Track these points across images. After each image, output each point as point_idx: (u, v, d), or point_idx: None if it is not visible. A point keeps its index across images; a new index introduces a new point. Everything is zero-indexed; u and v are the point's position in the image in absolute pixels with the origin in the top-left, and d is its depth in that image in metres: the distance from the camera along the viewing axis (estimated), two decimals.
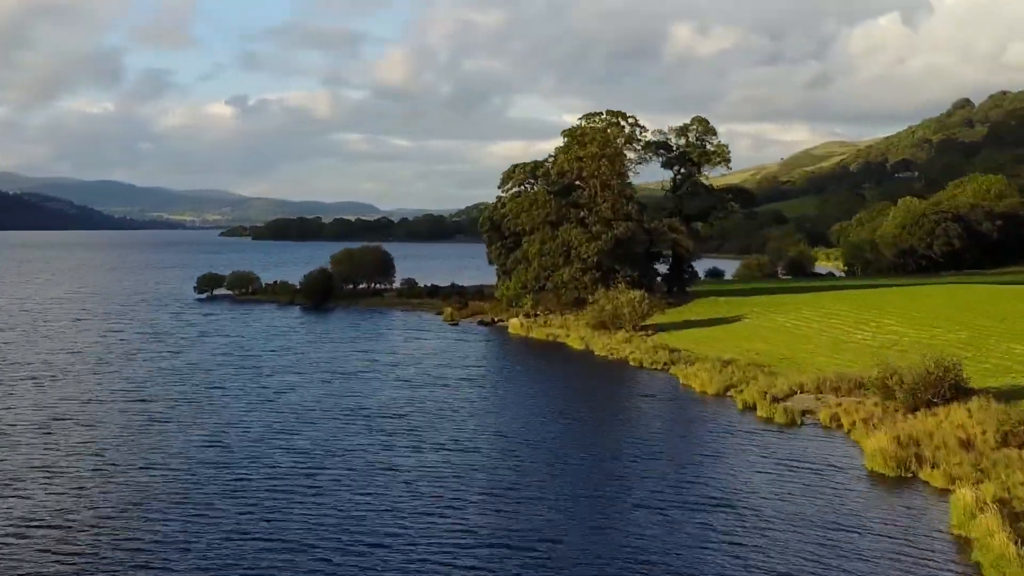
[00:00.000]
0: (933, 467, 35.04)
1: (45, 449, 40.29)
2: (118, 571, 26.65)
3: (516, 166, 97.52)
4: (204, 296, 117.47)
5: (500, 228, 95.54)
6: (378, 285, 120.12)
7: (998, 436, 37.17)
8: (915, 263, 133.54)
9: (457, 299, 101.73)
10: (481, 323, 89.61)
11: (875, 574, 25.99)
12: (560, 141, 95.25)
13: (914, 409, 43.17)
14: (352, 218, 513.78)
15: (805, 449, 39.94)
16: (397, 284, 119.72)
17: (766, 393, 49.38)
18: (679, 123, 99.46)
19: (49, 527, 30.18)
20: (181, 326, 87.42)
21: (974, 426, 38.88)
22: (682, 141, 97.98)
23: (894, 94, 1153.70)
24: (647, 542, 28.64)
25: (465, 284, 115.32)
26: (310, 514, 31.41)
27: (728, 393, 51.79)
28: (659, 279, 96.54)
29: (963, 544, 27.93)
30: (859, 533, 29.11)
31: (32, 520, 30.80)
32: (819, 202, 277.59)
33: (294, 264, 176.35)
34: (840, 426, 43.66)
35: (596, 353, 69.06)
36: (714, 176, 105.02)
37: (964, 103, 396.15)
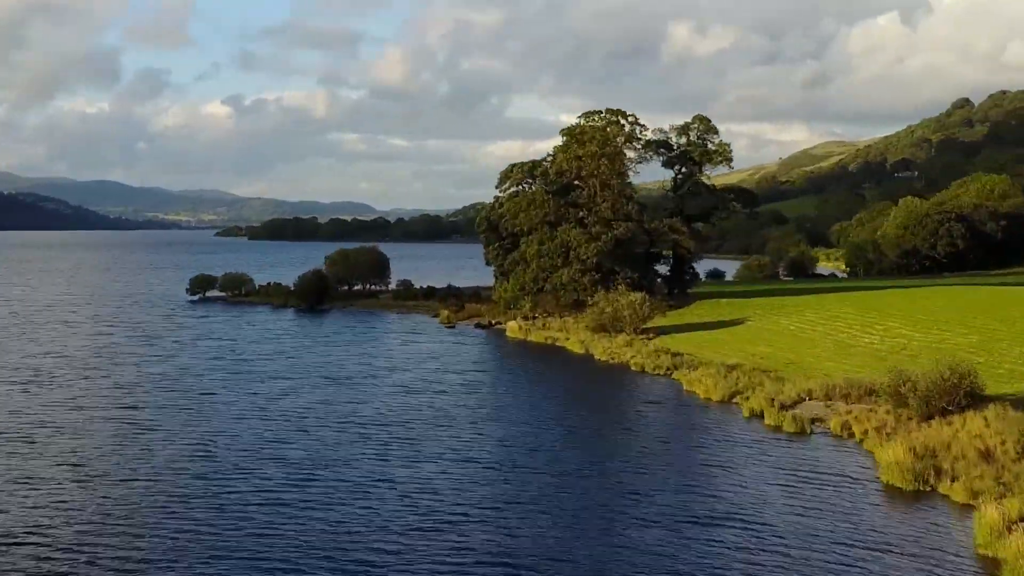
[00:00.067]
0: (952, 480, 33.47)
1: (25, 459, 38.66)
2: None
3: (514, 165, 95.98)
4: (196, 298, 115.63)
5: (498, 228, 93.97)
6: (374, 286, 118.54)
7: (1018, 447, 35.65)
8: (918, 264, 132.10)
9: (454, 301, 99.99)
10: (478, 326, 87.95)
11: None
12: (558, 140, 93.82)
13: (928, 417, 41.63)
14: (349, 218, 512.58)
15: (817, 459, 38.40)
16: (393, 285, 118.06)
17: (773, 400, 47.82)
18: (678, 123, 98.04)
19: (24, 544, 28.57)
20: (172, 329, 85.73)
21: (992, 436, 37.32)
22: (683, 140, 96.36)
23: (893, 94, 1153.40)
24: (657, 560, 27.13)
25: (462, 285, 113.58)
26: (301, 530, 29.86)
27: (734, 400, 50.21)
28: (659, 280, 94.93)
29: (990, 565, 26.41)
30: (880, 552, 27.57)
31: (6, 536, 29.17)
32: (818, 202, 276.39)
33: (291, 264, 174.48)
34: (851, 435, 42.12)
35: (596, 357, 67.46)
36: (713, 176, 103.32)
37: (963, 103, 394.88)
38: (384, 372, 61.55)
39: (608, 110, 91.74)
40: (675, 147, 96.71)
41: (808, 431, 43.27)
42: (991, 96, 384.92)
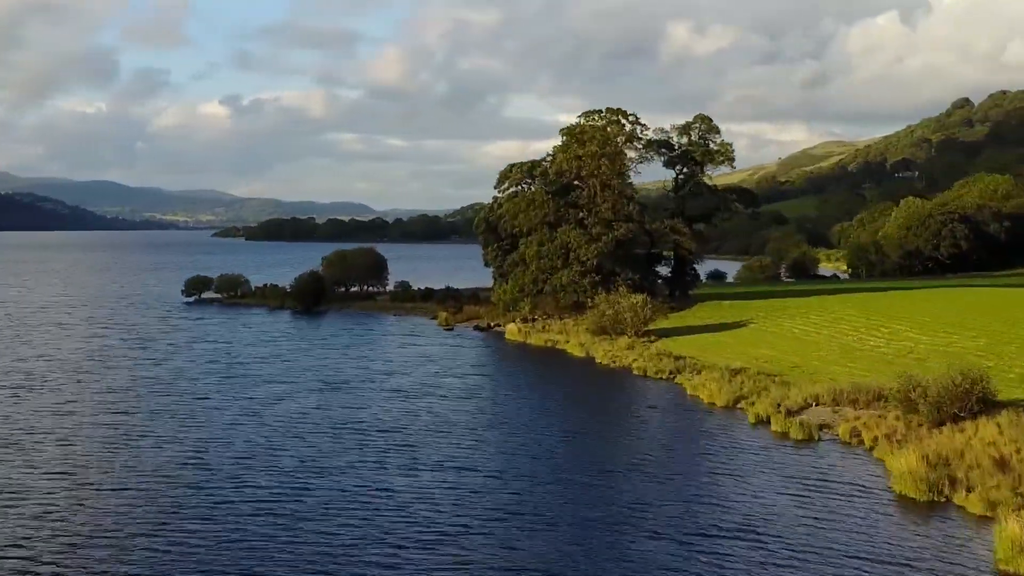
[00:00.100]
0: (968, 491, 32.36)
1: (12, 468, 37.52)
2: None
3: (513, 165, 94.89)
4: (192, 300, 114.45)
5: (496, 229, 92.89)
6: (371, 288, 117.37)
7: None
8: (921, 265, 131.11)
9: (452, 303, 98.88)
10: (477, 328, 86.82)
11: None
12: (557, 141, 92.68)
13: (939, 424, 40.55)
14: (346, 218, 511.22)
15: (826, 468, 37.31)
16: (390, 287, 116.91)
17: (779, 405, 46.75)
18: (676, 122, 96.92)
19: (7, 557, 27.48)
20: (166, 331, 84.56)
21: (1007, 444, 36.21)
22: (684, 140, 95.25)
23: (892, 94, 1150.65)
24: (665, 575, 26.06)
25: (460, 287, 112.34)
26: (295, 542, 28.79)
27: (739, 405, 49.11)
28: (660, 282, 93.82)
29: None
30: (898, 567, 26.48)
31: None
32: (818, 202, 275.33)
33: (287, 265, 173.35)
34: (861, 442, 41.02)
35: (598, 361, 66.35)
36: (714, 176, 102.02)
37: (963, 102, 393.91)
38: (381, 376, 60.45)
39: (609, 109, 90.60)
40: (676, 147, 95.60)
41: (816, 438, 42.19)
42: (991, 96, 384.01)
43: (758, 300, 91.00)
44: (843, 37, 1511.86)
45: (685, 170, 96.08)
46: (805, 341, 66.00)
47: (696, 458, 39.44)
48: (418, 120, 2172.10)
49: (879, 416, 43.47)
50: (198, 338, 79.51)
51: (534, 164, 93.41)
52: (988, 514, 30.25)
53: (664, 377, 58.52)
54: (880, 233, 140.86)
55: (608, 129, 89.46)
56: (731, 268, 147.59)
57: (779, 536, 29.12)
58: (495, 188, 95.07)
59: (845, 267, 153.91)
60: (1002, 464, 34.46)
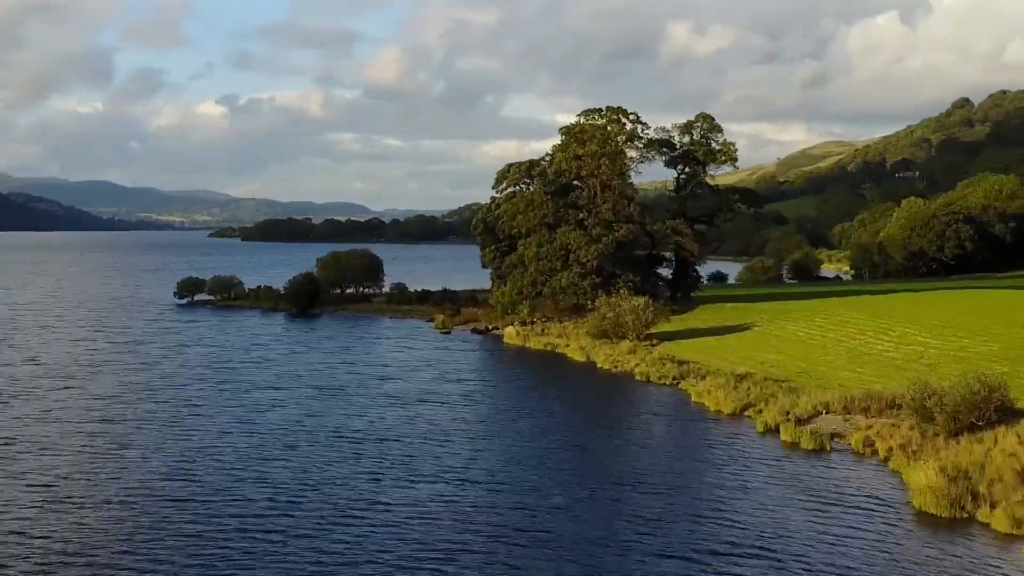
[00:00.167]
0: (992, 506, 30.77)
1: None
2: None
3: (511, 165, 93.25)
4: (184, 302, 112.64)
5: (494, 230, 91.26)
6: (366, 290, 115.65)
7: None
8: (925, 266, 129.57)
9: (449, 305, 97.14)
10: (474, 331, 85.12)
11: None
12: (555, 141, 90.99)
13: (956, 434, 38.95)
14: (343, 219, 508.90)
15: (841, 480, 35.72)
16: (386, 288, 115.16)
17: (788, 413, 45.13)
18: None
19: None
20: (157, 335, 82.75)
21: None
22: (686, 139, 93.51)
23: (892, 94, 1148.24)
24: None
25: (457, 289, 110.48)
26: (286, 562, 27.26)
27: (746, 413, 47.51)
28: (661, 284, 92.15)
29: None
30: None
31: None
32: (818, 202, 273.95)
33: (283, 266, 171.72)
34: (875, 452, 39.46)
35: (599, 365, 64.72)
36: (714, 176, 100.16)
37: (963, 102, 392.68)
38: (377, 381, 58.80)
39: (609, 108, 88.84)
40: (678, 146, 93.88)
41: (828, 448, 40.59)
42: (991, 96, 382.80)
43: (761, 302, 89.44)
44: (843, 37, 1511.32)
45: (687, 170, 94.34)
46: (811, 345, 64.43)
47: (704, 470, 37.81)
48: (416, 120, 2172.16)
49: (892, 425, 41.91)
50: (189, 342, 77.79)
51: (533, 164, 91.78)
52: (1015, 532, 28.76)
53: (667, 383, 56.90)
54: (882, 234, 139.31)
55: (608, 128, 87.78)
56: (731, 269, 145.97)
57: (798, 556, 27.56)
58: (493, 188, 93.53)
59: (847, 268, 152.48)
60: None
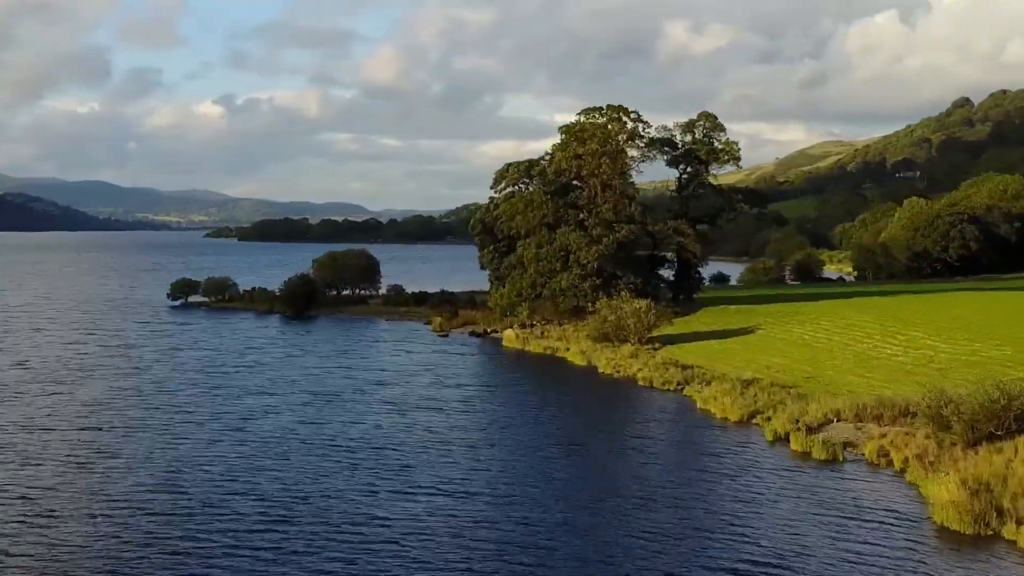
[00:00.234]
0: (1018, 523, 29.29)
1: None
2: None
3: (510, 165, 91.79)
4: (178, 304, 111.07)
5: (493, 231, 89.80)
6: (363, 291, 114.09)
7: None
8: (929, 267, 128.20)
9: (447, 307, 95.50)
10: (473, 334, 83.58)
11: None
12: (553, 140, 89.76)
13: (973, 443, 37.48)
14: (340, 219, 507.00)
15: (857, 493, 34.21)
16: (383, 290, 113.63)
17: (798, 421, 43.64)
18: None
19: None
20: (149, 337, 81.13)
21: None
22: (688, 138, 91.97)
23: (891, 93, 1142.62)
24: None
25: (455, 290, 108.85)
26: None
27: (754, 420, 46.02)
28: (663, 286, 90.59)
29: None
30: None
31: None
32: (818, 203, 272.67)
33: (280, 266, 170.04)
34: (890, 463, 37.96)
35: (600, 370, 63.18)
36: (714, 176, 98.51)
37: (964, 102, 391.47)
38: (373, 387, 57.27)
39: (610, 106, 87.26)
40: (680, 145, 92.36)
41: (840, 458, 39.08)
42: (991, 95, 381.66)
43: (765, 304, 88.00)
44: (842, 36, 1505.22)
45: (689, 169, 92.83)
46: (817, 349, 62.99)
47: (714, 481, 36.29)
48: (413, 120, 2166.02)
49: (907, 434, 40.43)
50: (181, 345, 76.19)
51: (532, 163, 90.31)
52: None
53: (672, 388, 55.39)
54: (884, 234, 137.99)
55: (609, 127, 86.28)
56: (731, 270, 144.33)
57: (817, 575, 26.08)
58: (491, 188, 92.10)
59: (850, 269, 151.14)
60: None
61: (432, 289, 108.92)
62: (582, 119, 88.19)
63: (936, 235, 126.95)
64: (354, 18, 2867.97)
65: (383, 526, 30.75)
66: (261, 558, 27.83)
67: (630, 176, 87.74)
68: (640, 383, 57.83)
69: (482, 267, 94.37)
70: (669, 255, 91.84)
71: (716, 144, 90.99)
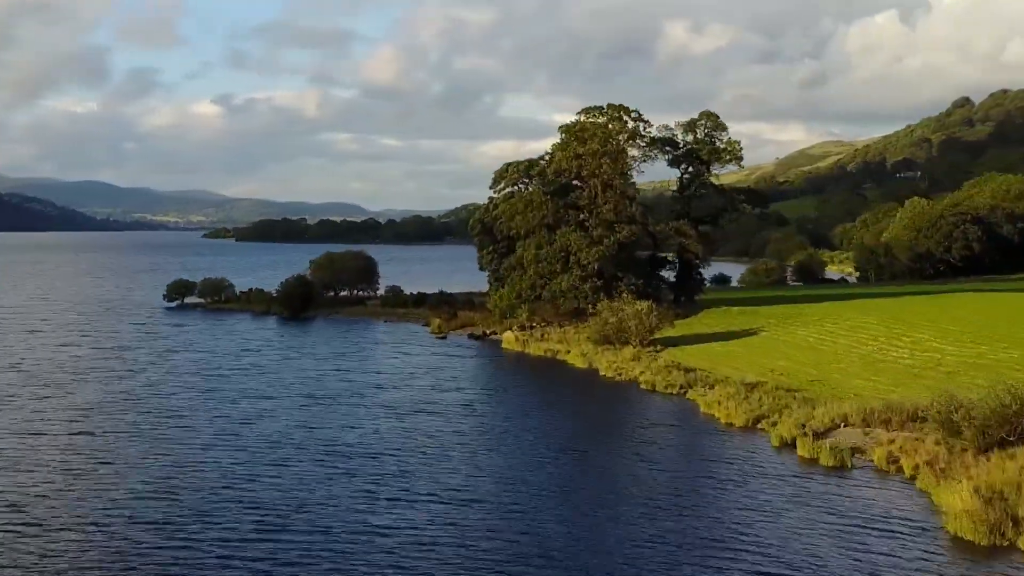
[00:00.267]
0: None
1: None
2: None
3: (509, 165, 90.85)
4: (174, 305, 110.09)
5: (492, 231, 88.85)
6: (361, 292, 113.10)
7: None
8: (932, 268, 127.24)
9: (445, 309, 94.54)
10: (472, 336, 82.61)
11: None
12: (553, 140, 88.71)
13: (985, 450, 36.61)
14: (338, 219, 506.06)
15: (868, 501, 33.32)
16: (381, 291, 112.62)
17: (804, 426, 42.76)
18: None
19: None
20: (144, 339, 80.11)
21: None
22: (690, 137, 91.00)
23: (891, 93, 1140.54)
24: None
25: (454, 291, 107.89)
26: None
27: (759, 425, 45.11)
28: (664, 287, 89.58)
29: None
30: None
31: None
32: (818, 203, 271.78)
33: (277, 267, 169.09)
34: (900, 469, 37.07)
35: (601, 373, 62.25)
36: (714, 175, 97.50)
37: (964, 102, 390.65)
38: (371, 390, 56.34)
39: (610, 106, 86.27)
40: (681, 145, 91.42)
41: (849, 464, 38.17)
42: (992, 95, 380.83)
43: (767, 306, 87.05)
44: (842, 36, 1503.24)
45: (690, 169, 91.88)
46: (822, 351, 62.10)
47: (721, 489, 35.38)
48: (413, 120, 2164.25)
49: (916, 439, 39.59)
50: (176, 347, 75.18)
51: (532, 163, 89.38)
52: None
53: (674, 392, 54.48)
54: (885, 234, 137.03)
55: (610, 126, 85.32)
56: (731, 270, 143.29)
57: None
58: (491, 188, 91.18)
59: (851, 270, 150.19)
60: None
61: (431, 290, 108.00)
62: (583, 118, 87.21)
63: (939, 236, 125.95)
64: (354, 18, 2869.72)
65: (382, 535, 29.89)
66: (256, 569, 27.05)
67: (631, 176, 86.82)
68: (642, 386, 56.93)
69: (481, 268, 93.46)
70: (670, 256, 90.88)
71: (718, 144, 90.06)
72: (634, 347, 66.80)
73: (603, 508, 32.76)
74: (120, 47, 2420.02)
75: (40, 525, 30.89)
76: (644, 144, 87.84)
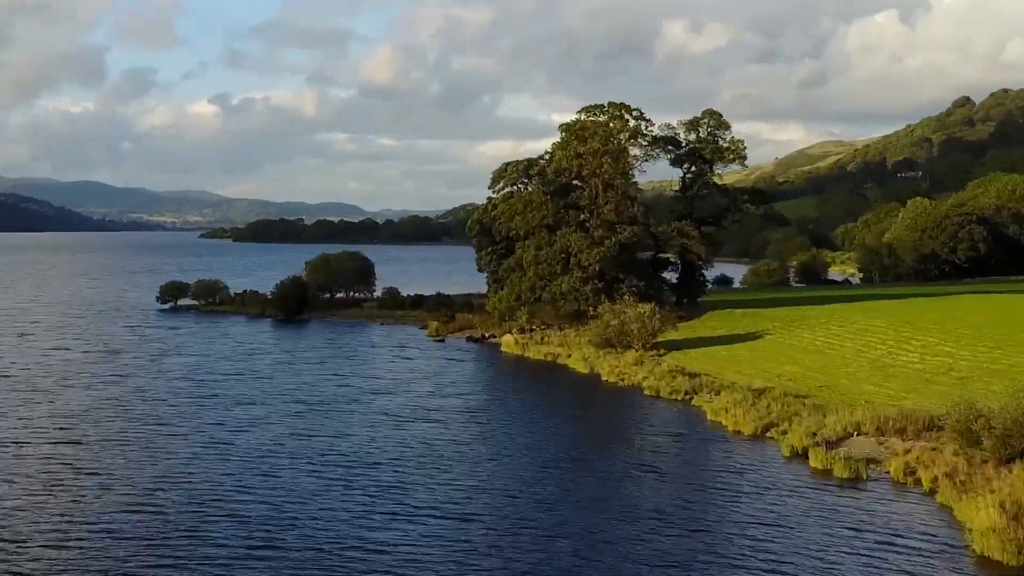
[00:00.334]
0: None
1: None
2: None
3: (508, 164, 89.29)
4: (167, 307, 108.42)
5: (491, 232, 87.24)
6: (357, 294, 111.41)
7: None
8: (937, 269, 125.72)
9: (443, 311, 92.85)
10: (470, 339, 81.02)
11: None
12: (552, 140, 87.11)
13: (1006, 461, 35.07)
14: (336, 219, 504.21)
15: (888, 516, 31.77)
16: (378, 293, 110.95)
17: (816, 435, 41.21)
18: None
19: None
20: (136, 343, 78.46)
21: None
22: (692, 136, 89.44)
23: (891, 93, 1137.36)
24: None
25: (452, 293, 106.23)
26: None
27: (768, 433, 43.55)
28: (667, 289, 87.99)
29: None
30: None
31: None
32: (818, 203, 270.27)
33: (274, 268, 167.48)
34: (917, 482, 35.53)
35: (603, 377, 60.67)
36: (714, 175, 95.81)
37: (964, 101, 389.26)
38: (367, 396, 54.78)
39: (611, 104, 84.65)
40: (683, 144, 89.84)
41: (864, 476, 36.64)
42: (992, 95, 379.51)
43: (771, 308, 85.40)
44: (842, 36, 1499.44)
45: (693, 169, 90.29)
46: (830, 356, 60.58)
47: (733, 502, 33.83)
48: (411, 120, 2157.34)
49: (933, 450, 38.03)
50: (168, 351, 73.55)
51: (531, 163, 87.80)
52: None
53: (679, 398, 52.87)
54: (888, 235, 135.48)
55: (611, 125, 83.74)
56: (732, 271, 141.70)
57: None
58: (489, 188, 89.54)
59: (854, 270, 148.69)
60: None
61: (428, 292, 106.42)
62: (583, 117, 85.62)
63: (944, 236, 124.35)
64: (352, 18, 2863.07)
65: (379, 552, 28.49)
66: None
67: (632, 176, 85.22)
68: (646, 392, 55.35)
69: (480, 269, 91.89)
70: (672, 257, 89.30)
71: (721, 143, 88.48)
72: (636, 351, 65.23)
73: (610, 523, 31.22)
74: (119, 47, 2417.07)
75: (15, 540, 29.44)
76: (646, 143, 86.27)
